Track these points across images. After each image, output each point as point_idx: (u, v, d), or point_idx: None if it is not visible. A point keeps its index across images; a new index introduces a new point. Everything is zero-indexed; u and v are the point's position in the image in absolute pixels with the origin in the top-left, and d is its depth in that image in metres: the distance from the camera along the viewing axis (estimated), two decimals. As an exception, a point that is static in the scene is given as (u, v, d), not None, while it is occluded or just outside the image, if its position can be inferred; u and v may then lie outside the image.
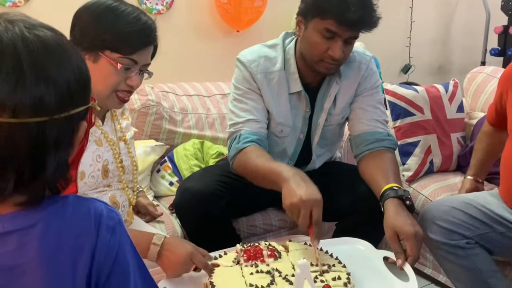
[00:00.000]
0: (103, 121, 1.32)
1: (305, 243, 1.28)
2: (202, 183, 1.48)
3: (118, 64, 1.16)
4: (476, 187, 1.70)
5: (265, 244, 1.25)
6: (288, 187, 1.24)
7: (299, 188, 1.21)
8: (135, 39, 1.17)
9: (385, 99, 2.10)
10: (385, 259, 1.28)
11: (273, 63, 1.54)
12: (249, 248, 1.22)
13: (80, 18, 1.20)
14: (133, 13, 1.18)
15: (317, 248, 1.21)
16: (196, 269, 1.18)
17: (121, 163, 1.34)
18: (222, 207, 1.46)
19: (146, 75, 1.26)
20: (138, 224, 1.50)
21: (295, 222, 1.80)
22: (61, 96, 0.64)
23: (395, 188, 1.36)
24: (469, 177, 1.72)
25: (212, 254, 1.28)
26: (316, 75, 1.54)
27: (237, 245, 1.27)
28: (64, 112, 0.64)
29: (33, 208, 0.65)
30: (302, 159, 1.66)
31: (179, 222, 1.63)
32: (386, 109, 2.13)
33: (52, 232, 0.65)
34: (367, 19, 1.40)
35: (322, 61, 1.45)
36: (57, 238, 0.66)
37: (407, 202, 1.35)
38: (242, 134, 1.47)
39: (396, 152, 2.06)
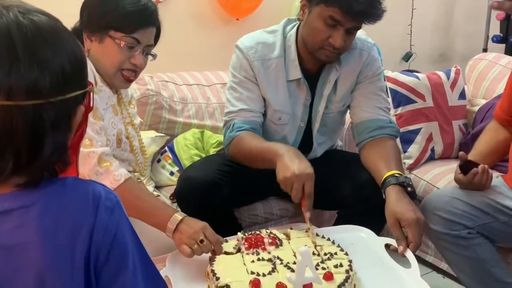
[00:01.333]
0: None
1: (306, 231, 1.28)
2: (204, 172, 1.48)
3: (122, 42, 1.25)
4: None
5: (266, 232, 1.24)
6: (282, 162, 1.27)
7: (292, 163, 1.25)
8: (136, 18, 1.26)
9: (386, 86, 2.09)
10: (387, 246, 1.27)
11: (271, 50, 1.54)
12: (250, 236, 1.22)
13: (88, 2, 1.31)
14: None
15: (310, 222, 1.26)
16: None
17: (133, 143, 1.41)
18: (223, 196, 1.46)
19: (150, 57, 1.34)
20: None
21: (296, 210, 1.83)
22: (56, 80, 0.65)
23: (396, 175, 1.36)
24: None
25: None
26: (316, 62, 1.53)
27: (238, 233, 1.27)
28: (59, 96, 0.65)
29: (32, 188, 0.67)
30: (303, 147, 1.64)
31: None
32: (388, 96, 2.13)
33: (51, 211, 0.67)
34: (372, 11, 1.40)
35: (323, 49, 1.45)
36: (56, 217, 0.67)
37: (409, 189, 1.35)
38: (236, 123, 1.50)
39: (398, 139, 2.06)
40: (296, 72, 1.53)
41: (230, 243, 1.22)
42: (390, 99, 2.06)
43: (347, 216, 1.57)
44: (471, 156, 1.53)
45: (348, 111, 1.68)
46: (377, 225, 1.49)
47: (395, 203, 1.30)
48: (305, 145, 1.65)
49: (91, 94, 0.73)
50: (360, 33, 2.60)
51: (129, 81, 1.32)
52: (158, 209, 1.22)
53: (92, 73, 1.26)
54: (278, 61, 1.53)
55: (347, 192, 1.50)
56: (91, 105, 0.73)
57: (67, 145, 0.70)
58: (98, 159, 1.18)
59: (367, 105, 1.57)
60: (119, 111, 1.38)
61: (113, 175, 1.19)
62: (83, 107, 0.71)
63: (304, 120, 1.61)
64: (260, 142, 1.44)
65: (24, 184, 0.66)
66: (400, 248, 1.24)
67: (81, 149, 1.14)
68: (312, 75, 1.56)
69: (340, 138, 1.94)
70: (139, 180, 1.63)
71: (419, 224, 1.27)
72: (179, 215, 1.19)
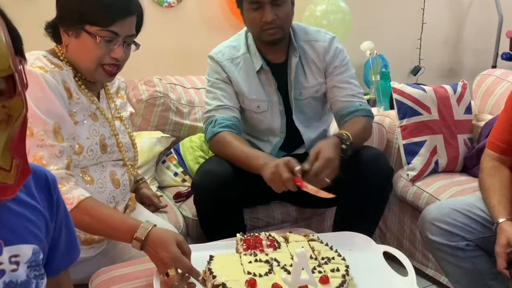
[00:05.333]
0: (98, 98, 1.34)
1: (305, 235, 1.29)
2: (222, 167, 1.52)
3: (98, 37, 1.17)
4: None
5: (265, 235, 1.25)
6: (265, 168, 1.40)
7: (272, 162, 1.39)
8: (112, 11, 1.17)
9: (392, 97, 2.10)
10: (385, 254, 1.28)
11: (237, 50, 1.72)
12: (248, 237, 1.23)
13: None
14: None
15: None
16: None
17: (119, 140, 1.36)
18: (237, 193, 1.51)
19: (133, 47, 1.26)
20: (142, 213, 1.51)
21: (297, 216, 1.84)
22: None
23: (343, 133, 1.51)
24: (502, 220, 1.37)
25: (213, 243, 1.29)
26: (275, 51, 1.69)
27: (237, 234, 1.27)
28: None
29: None
30: (292, 137, 1.76)
31: (195, 202, 1.60)
32: (392, 108, 2.14)
33: None
34: None
35: (264, 31, 1.60)
36: None
37: (343, 146, 1.46)
38: (218, 119, 1.63)
39: (402, 151, 2.07)
40: (258, 62, 1.69)
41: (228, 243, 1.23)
42: (395, 111, 2.07)
43: (347, 210, 1.62)
44: (496, 205, 1.40)
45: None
46: (375, 219, 1.64)
47: (325, 143, 1.43)
48: (293, 135, 1.76)
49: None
50: (368, 45, 2.66)
51: (111, 74, 1.25)
52: (117, 229, 1.14)
53: (65, 84, 1.21)
54: (245, 56, 1.71)
55: (352, 173, 1.50)
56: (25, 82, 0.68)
57: None
58: None
59: (340, 95, 1.71)
60: (100, 117, 1.31)
61: (65, 198, 1.11)
62: None
63: (281, 104, 1.74)
64: (242, 146, 1.55)
65: None
66: (298, 170, 1.33)
67: None
68: (280, 64, 1.72)
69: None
70: (142, 180, 1.64)
71: (330, 162, 1.36)
72: (139, 234, 1.10)
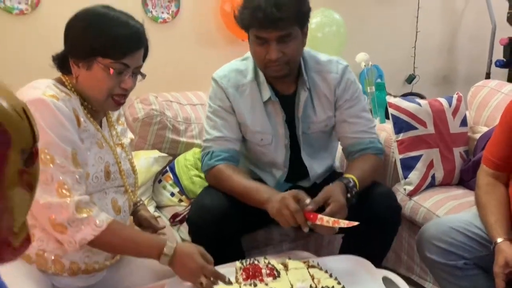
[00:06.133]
0: (100, 125, 1.36)
1: (304, 262, 1.29)
2: (217, 201, 1.49)
3: (110, 69, 1.20)
4: None
5: (265, 263, 1.25)
6: (270, 203, 1.37)
7: (278, 195, 1.37)
8: (124, 44, 1.20)
9: (388, 111, 2.10)
10: (385, 279, 1.28)
11: (243, 75, 1.62)
12: (248, 266, 1.23)
13: (71, 27, 1.23)
14: (121, 19, 1.21)
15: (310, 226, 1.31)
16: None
17: (121, 168, 1.38)
18: (234, 225, 1.49)
19: (139, 77, 1.29)
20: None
21: (295, 234, 1.84)
22: None
23: (351, 179, 1.45)
24: (500, 239, 1.37)
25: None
26: (283, 82, 1.60)
27: (236, 262, 1.27)
28: None
29: None
30: (296, 171, 1.70)
31: (190, 237, 1.59)
32: (388, 119, 2.15)
33: None
34: (283, 15, 1.41)
35: (268, 67, 1.51)
36: None
37: (348, 195, 1.41)
38: (215, 152, 1.57)
39: (398, 165, 2.08)
40: (267, 93, 1.59)
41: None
42: (391, 125, 2.08)
43: (353, 240, 1.58)
44: (493, 223, 1.41)
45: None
46: (381, 251, 1.57)
47: (334, 189, 1.38)
48: (298, 168, 1.69)
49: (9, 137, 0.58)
50: (362, 56, 2.66)
51: (120, 104, 1.29)
52: (146, 247, 1.24)
53: (75, 111, 1.22)
54: (252, 84, 1.61)
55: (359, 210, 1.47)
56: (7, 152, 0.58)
57: None
58: (76, 207, 1.16)
59: (349, 131, 1.64)
60: (104, 144, 1.33)
61: (95, 222, 1.17)
62: None
63: (287, 137, 1.66)
64: (241, 180, 1.50)
65: None
66: (309, 203, 1.31)
67: (57, 199, 1.14)
68: (289, 96, 1.63)
69: (341, 165, 1.95)
70: (140, 202, 1.65)
71: (342, 209, 1.33)
72: (167, 250, 1.21)
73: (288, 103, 1.62)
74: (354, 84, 1.66)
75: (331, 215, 1.28)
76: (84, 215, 1.17)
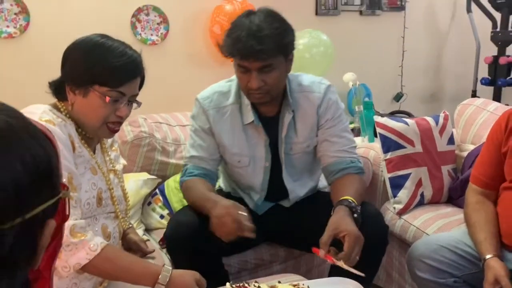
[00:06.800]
0: (94, 152, 1.36)
1: (294, 286, 1.28)
2: (194, 217, 1.49)
3: (107, 97, 1.21)
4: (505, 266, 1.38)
5: (255, 286, 1.24)
6: (213, 211, 1.41)
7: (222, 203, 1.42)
8: (122, 73, 1.22)
9: (376, 129, 2.12)
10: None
11: (226, 97, 1.64)
12: (237, 289, 1.22)
13: (70, 54, 1.25)
14: (119, 48, 1.23)
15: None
16: None
17: (113, 194, 1.38)
18: (213, 243, 1.46)
19: (135, 105, 1.31)
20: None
21: (286, 255, 1.83)
22: (5, 200, 0.50)
23: (350, 200, 1.44)
24: (489, 256, 1.39)
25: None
26: (267, 105, 1.61)
27: (227, 284, 1.26)
28: (15, 218, 0.50)
29: None
30: (275, 191, 1.71)
31: (169, 256, 1.62)
32: (376, 137, 2.17)
33: None
34: (264, 47, 1.43)
35: (250, 94, 1.54)
36: None
37: (355, 215, 1.41)
38: (188, 169, 1.63)
39: (387, 184, 2.09)
40: (249, 116, 1.61)
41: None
42: (379, 144, 2.10)
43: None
44: (482, 240, 1.43)
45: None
46: (371, 270, 1.54)
47: (341, 217, 1.37)
48: (277, 188, 1.70)
49: (67, 200, 0.59)
50: (350, 76, 2.69)
51: (114, 132, 1.30)
52: (141, 275, 1.22)
53: (70, 137, 1.23)
54: (233, 107, 1.63)
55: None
56: (67, 213, 0.60)
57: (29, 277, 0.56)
58: (70, 231, 1.16)
59: (330, 150, 1.64)
60: (98, 170, 1.34)
61: (89, 246, 1.17)
62: (54, 222, 0.56)
63: (268, 160, 1.67)
64: (199, 191, 1.53)
65: None
66: (322, 252, 1.29)
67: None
68: (272, 117, 1.65)
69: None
70: (129, 226, 1.64)
71: (358, 240, 1.31)
72: (165, 273, 1.20)
73: (271, 125, 1.65)
74: (336, 104, 1.67)
75: (351, 249, 1.29)
76: (78, 239, 1.16)
